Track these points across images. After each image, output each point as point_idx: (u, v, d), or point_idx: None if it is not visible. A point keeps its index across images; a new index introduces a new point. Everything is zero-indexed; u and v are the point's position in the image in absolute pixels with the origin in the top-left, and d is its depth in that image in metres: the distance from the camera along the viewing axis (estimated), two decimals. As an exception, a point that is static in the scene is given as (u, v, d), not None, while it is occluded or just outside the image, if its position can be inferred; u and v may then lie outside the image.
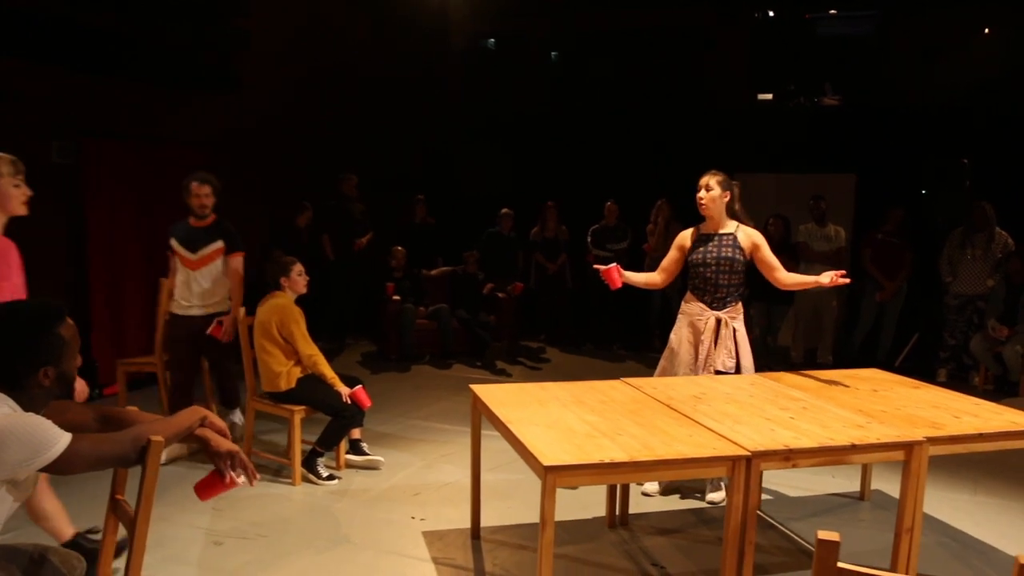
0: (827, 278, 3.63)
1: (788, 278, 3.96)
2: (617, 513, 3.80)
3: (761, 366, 4.16)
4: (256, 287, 4.93)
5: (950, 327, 6.95)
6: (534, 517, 2.50)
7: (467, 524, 3.68)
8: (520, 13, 9.37)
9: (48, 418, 1.87)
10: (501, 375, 7.08)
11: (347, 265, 7.80)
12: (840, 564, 1.53)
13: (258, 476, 2.24)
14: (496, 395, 3.41)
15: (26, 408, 1.88)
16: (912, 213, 7.43)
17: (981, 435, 2.99)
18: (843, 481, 4.45)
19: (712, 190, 3.94)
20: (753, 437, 2.80)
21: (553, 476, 2.51)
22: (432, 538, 3.64)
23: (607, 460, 2.56)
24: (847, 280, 3.64)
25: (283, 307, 4.33)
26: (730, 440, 2.77)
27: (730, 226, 4.01)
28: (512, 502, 4.06)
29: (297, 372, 4.35)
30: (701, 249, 4.00)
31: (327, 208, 7.79)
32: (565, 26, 9.55)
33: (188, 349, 4.73)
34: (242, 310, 4.54)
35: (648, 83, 9.23)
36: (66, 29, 5.60)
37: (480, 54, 10.07)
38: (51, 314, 1.96)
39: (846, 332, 7.77)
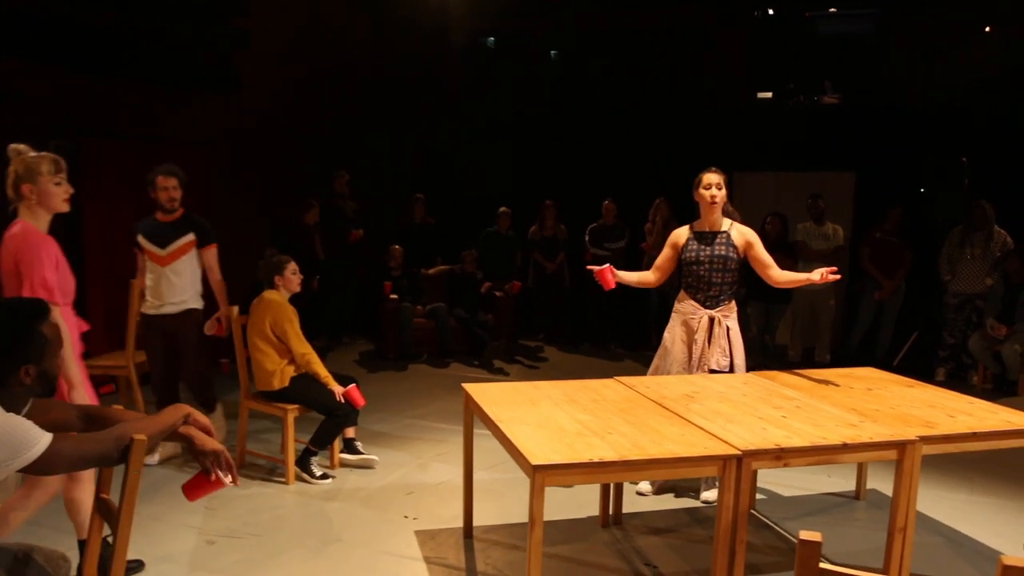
0: (818, 275, 3.62)
1: (781, 276, 3.95)
2: (610, 512, 3.79)
3: (759, 365, 4.16)
4: (257, 288, 4.90)
5: (949, 326, 6.93)
6: (527, 516, 2.51)
7: (460, 523, 3.68)
8: (520, 12, 9.36)
9: (31, 417, 1.88)
10: (499, 374, 7.07)
11: (342, 264, 7.79)
12: (822, 565, 1.50)
13: (239, 481, 2.23)
14: (488, 394, 3.40)
15: (6, 406, 1.88)
16: (911, 212, 7.41)
17: (975, 434, 2.98)
18: (839, 481, 4.44)
19: (722, 188, 3.96)
20: (744, 436, 2.79)
21: (542, 475, 2.51)
22: (425, 537, 3.63)
23: (596, 459, 2.56)
24: (838, 276, 3.63)
25: (277, 305, 4.32)
26: (721, 439, 2.76)
27: (724, 224, 4.01)
28: (505, 501, 4.06)
29: (291, 371, 4.35)
30: (695, 247, 4.00)
31: (320, 206, 7.78)
32: (565, 26, 9.55)
33: (163, 349, 4.55)
34: (235, 308, 4.52)
35: (648, 82, 9.22)
36: (66, 29, 5.61)
37: (480, 54, 10.07)
38: (34, 312, 1.96)
39: (845, 331, 7.76)
